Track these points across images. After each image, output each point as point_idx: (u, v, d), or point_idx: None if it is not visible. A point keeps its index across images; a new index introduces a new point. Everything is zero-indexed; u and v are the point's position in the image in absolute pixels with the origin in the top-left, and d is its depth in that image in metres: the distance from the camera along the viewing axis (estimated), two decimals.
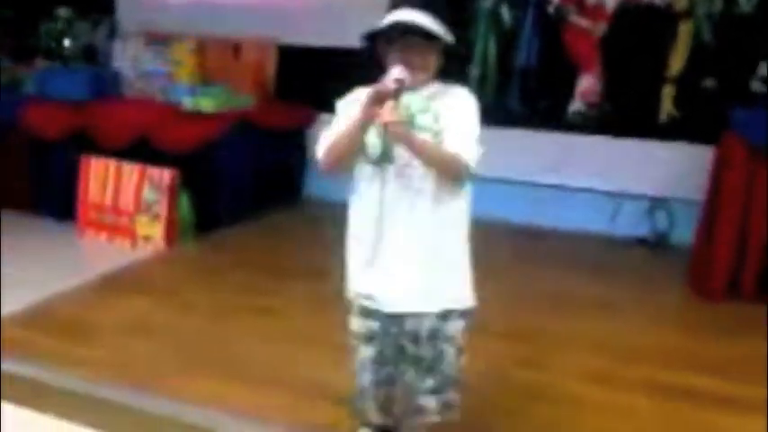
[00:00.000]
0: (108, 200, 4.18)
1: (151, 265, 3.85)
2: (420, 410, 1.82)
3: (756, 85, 3.86)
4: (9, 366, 2.47)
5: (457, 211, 1.76)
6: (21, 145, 4.59)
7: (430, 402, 1.81)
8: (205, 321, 3.09)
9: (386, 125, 1.58)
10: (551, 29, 4.38)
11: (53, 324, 2.97)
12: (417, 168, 1.68)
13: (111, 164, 4.19)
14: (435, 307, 1.76)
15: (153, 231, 4.06)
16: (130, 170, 4.14)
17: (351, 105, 1.71)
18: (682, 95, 4.20)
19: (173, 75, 4.72)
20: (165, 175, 4.05)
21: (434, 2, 1.67)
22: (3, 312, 2.92)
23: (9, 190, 4.48)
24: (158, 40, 4.84)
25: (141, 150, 4.20)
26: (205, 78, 4.74)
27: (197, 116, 4.29)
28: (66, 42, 4.86)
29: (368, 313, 1.81)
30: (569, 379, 2.63)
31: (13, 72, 4.93)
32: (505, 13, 4.44)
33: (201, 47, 4.79)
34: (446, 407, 1.82)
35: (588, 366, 2.73)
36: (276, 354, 2.76)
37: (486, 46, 4.49)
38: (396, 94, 1.58)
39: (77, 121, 4.44)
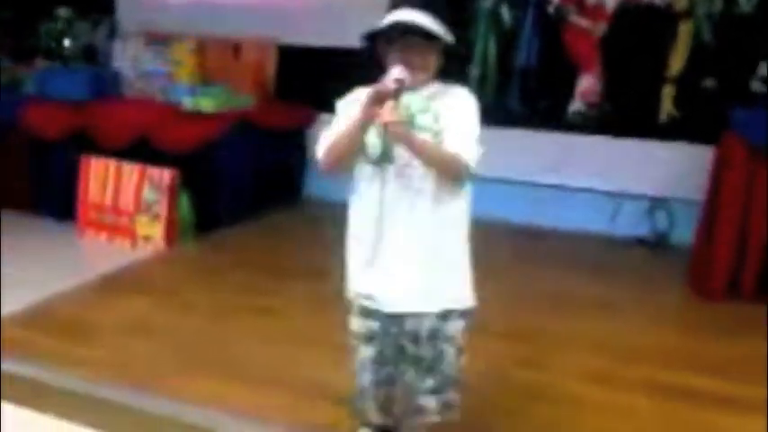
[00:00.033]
0: (108, 200, 4.18)
1: (151, 265, 3.85)
2: (420, 410, 1.82)
3: (756, 85, 3.86)
4: (9, 366, 2.47)
5: (457, 211, 1.76)
6: (21, 145, 4.59)
7: (430, 402, 1.81)
8: (205, 321, 3.09)
9: (386, 125, 1.58)
10: (551, 29, 4.38)
11: (53, 324, 2.97)
12: (417, 168, 1.68)
13: (111, 164, 4.19)
14: (435, 307, 1.76)
15: (153, 231, 4.06)
16: (130, 170, 4.14)
17: (351, 105, 1.71)
18: (682, 95, 4.20)
19: (173, 75, 4.72)
20: (164, 175, 4.05)
21: (434, 2, 1.67)
22: (3, 312, 2.92)
23: (9, 190, 4.48)
24: (158, 40, 4.84)
25: (141, 150, 4.20)
26: (205, 78, 4.74)
27: (197, 116, 4.29)
28: (66, 42, 4.85)
29: (368, 313, 1.81)
30: (569, 379, 2.63)
31: (13, 72, 4.92)
32: (505, 13, 4.44)
33: (201, 47, 4.79)
34: (446, 407, 1.82)
35: (588, 366, 2.73)
36: (276, 354, 2.76)
37: (486, 46, 4.49)
38: (396, 94, 1.57)
39: (77, 121, 4.44)
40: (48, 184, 4.56)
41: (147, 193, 4.08)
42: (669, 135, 4.24)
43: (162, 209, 4.05)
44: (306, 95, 4.83)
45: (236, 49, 4.93)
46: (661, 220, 4.34)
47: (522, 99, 4.54)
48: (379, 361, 1.83)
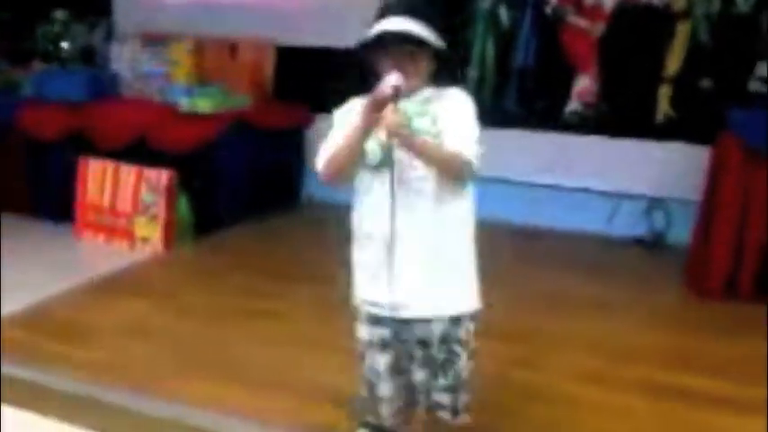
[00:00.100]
0: (106, 201, 4.18)
1: (149, 266, 3.85)
2: (436, 406, 1.82)
3: (754, 86, 3.86)
4: (9, 369, 2.48)
5: (460, 212, 1.75)
6: (18, 147, 4.59)
7: (445, 399, 1.80)
8: (203, 324, 3.08)
9: (388, 129, 1.58)
10: (549, 29, 4.38)
11: (51, 326, 2.98)
12: (418, 170, 1.68)
13: (109, 165, 4.19)
14: (444, 312, 1.75)
15: (151, 233, 4.06)
16: (128, 171, 4.14)
17: (347, 115, 1.71)
18: (679, 96, 4.20)
19: (170, 75, 4.72)
20: (162, 176, 4.05)
21: (423, 7, 1.66)
22: (1, 314, 2.93)
23: (7, 192, 4.47)
24: (155, 41, 4.84)
25: (139, 151, 4.20)
26: (202, 79, 4.74)
27: (194, 117, 4.29)
28: (64, 45, 4.86)
29: (376, 321, 1.79)
30: (566, 379, 2.63)
31: (10, 75, 4.92)
32: (503, 13, 4.44)
33: (199, 47, 4.79)
34: (461, 408, 1.82)
35: (585, 366, 2.74)
36: (274, 356, 2.76)
37: (484, 47, 4.49)
38: (394, 99, 1.58)
39: (75, 123, 4.43)
40: (45, 186, 4.55)
41: (145, 195, 4.08)
42: (666, 135, 4.24)
43: (160, 210, 4.05)
44: (304, 96, 4.83)
45: (233, 49, 4.93)
46: (658, 220, 4.35)
47: (519, 99, 4.53)
48: (397, 369, 1.81)
